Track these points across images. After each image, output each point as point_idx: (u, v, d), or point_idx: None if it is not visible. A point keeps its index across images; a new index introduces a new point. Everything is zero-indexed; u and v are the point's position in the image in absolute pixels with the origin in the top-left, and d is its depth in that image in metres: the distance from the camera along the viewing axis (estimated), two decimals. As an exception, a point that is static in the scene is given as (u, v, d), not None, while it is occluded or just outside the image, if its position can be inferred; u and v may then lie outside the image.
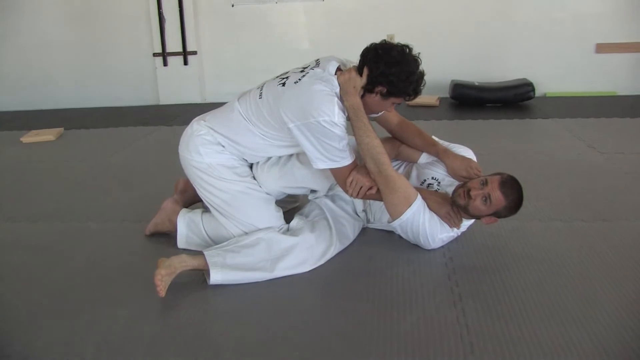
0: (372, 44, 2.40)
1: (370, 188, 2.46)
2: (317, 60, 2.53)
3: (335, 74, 2.42)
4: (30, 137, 5.16)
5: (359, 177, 2.44)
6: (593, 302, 2.14)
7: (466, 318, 2.08)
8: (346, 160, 2.42)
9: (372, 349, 1.93)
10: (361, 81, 2.36)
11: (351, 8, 6.46)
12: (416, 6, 6.35)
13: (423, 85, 2.40)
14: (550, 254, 2.54)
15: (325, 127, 2.32)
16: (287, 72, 2.56)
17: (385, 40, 2.41)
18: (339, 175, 2.48)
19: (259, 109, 2.50)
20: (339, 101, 2.37)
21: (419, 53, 2.39)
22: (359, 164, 2.49)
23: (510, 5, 6.28)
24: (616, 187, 3.36)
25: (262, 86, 2.58)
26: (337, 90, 2.39)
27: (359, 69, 2.38)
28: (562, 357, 1.83)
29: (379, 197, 2.49)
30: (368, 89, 2.37)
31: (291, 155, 2.68)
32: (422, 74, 2.38)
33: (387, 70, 2.30)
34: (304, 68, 2.51)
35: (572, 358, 1.83)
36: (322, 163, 2.41)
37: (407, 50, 2.37)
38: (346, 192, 2.51)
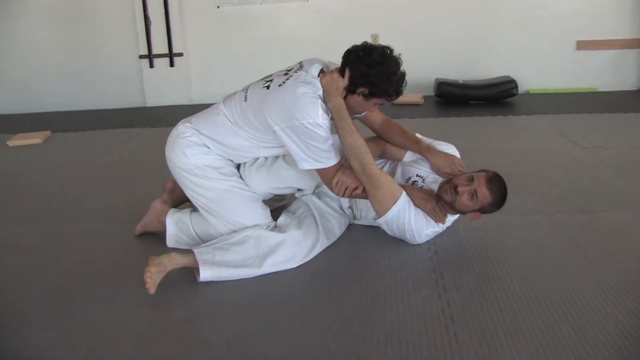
0: (353, 45, 2.44)
1: (356, 188, 2.50)
2: (301, 62, 2.57)
3: (319, 76, 2.46)
4: (17, 141, 5.15)
5: (344, 178, 2.48)
6: (573, 291, 2.20)
7: (451, 309, 2.13)
8: (331, 160, 2.46)
9: (359, 342, 1.97)
10: (343, 82, 2.40)
11: (336, 8, 6.49)
12: (400, 6, 6.39)
13: (404, 86, 2.45)
14: (532, 245, 2.61)
15: (310, 129, 2.36)
16: (271, 75, 2.59)
17: (366, 42, 2.45)
18: (325, 176, 2.52)
19: (244, 112, 2.54)
20: (322, 103, 2.41)
21: (400, 54, 2.44)
22: (344, 164, 2.53)
23: (493, 4, 6.34)
24: (596, 181, 3.43)
25: (247, 89, 2.61)
26: (321, 92, 2.43)
27: (341, 71, 2.42)
28: (544, 344, 1.89)
29: (365, 196, 2.54)
30: (350, 90, 2.42)
31: (277, 156, 2.72)
32: (403, 75, 2.42)
33: (368, 71, 2.35)
34: (288, 71, 2.55)
35: (553, 344, 1.88)
36: (308, 164, 2.46)
37: (388, 51, 2.41)
38: (332, 191, 2.55)
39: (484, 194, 2.46)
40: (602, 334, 1.93)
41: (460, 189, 2.47)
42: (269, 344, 1.99)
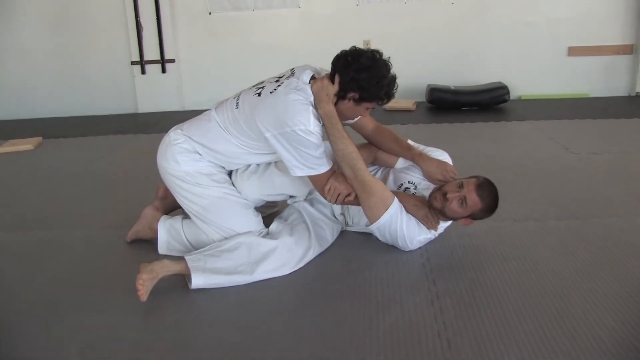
0: (342, 51, 2.44)
1: (348, 195, 2.50)
2: (292, 69, 2.57)
3: (310, 83, 2.46)
4: (8, 147, 5.13)
5: (336, 185, 2.48)
6: (566, 297, 2.20)
7: (443, 316, 2.12)
8: (323, 167, 2.46)
9: (351, 349, 1.96)
10: (333, 88, 2.40)
11: (328, 14, 6.51)
12: (392, 12, 6.42)
13: (395, 89, 2.44)
14: (524, 252, 2.60)
15: (301, 136, 2.36)
16: (262, 82, 2.59)
17: (355, 46, 2.45)
18: (317, 182, 2.51)
19: (235, 119, 2.53)
20: (314, 110, 2.41)
21: (389, 57, 2.43)
22: (336, 171, 2.53)
23: (484, 11, 6.38)
24: (589, 186, 3.44)
25: (239, 96, 2.61)
26: (312, 99, 2.43)
27: (331, 77, 2.42)
28: (537, 351, 1.88)
29: (357, 202, 2.54)
30: (341, 95, 2.41)
31: (269, 163, 2.71)
32: (393, 78, 2.42)
33: (357, 76, 2.34)
34: (279, 78, 2.54)
35: (546, 351, 1.88)
36: (300, 170, 2.45)
37: (377, 55, 2.40)
38: (325, 198, 2.55)
39: (474, 200, 2.46)
40: (595, 341, 1.93)
41: (449, 195, 2.47)
42: (261, 351, 1.97)
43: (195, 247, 2.65)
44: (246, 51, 6.62)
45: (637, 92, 6.37)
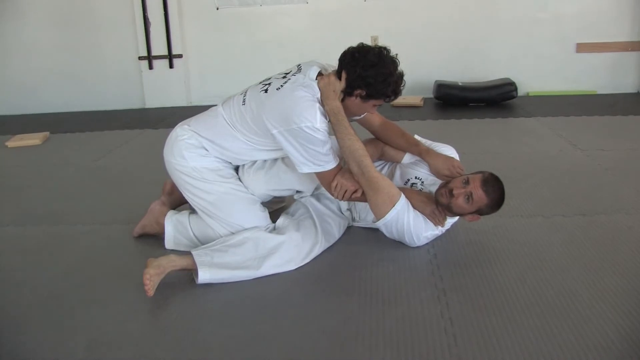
0: (349, 47, 2.44)
1: (355, 191, 2.49)
2: (299, 65, 2.57)
3: (316, 79, 2.46)
4: (16, 142, 5.14)
5: (343, 181, 2.48)
6: (573, 294, 2.19)
7: (450, 312, 2.12)
8: (330, 164, 2.46)
9: (358, 345, 1.96)
10: (340, 85, 2.40)
11: (335, 10, 6.49)
12: (400, 8, 6.39)
13: (403, 86, 2.44)
14: (531, 248, 2.60)
15: (308, 133, 2.36)
16: (269, 78, 2.59)
17: (362, 43, 2.44)
18: (324, 179, 2.51)
19: (242, 115, 2.53)
20: (320, 106, 2.40)
21: (397, 54, 2.43)
22: (343, 167, 2.53)
23: (492, 6, 6.34)
24: (596, 183, 3.43)
25: (246, 92, 2.61)
26: (319, 95, 2.42)
27: (338, 73, 2.41)
28: (542, 346, 1.88)
29: (364, 199, 2.53)
30: (347, 92, 2.41)
31: (276, 159, 2.71)
32: (401, 75, 2.41)
33: (364, 73, 2.34)
34: (286, 74, 2.54)
35: (552, 347, 1.88)
36: (307, 167, 2.45)
37: (385, 52, 2.40)
38: (332, 194, 2.55)
39: (480, 196, 2.45)
40: (602, 338, 1.92)
41: (455, 191, 2.46)
42: (267, 347, 1.98)
43: (202, 242, 2.65)
44: (253, 47, 6.60)
45: (645, 89, 6.34)
